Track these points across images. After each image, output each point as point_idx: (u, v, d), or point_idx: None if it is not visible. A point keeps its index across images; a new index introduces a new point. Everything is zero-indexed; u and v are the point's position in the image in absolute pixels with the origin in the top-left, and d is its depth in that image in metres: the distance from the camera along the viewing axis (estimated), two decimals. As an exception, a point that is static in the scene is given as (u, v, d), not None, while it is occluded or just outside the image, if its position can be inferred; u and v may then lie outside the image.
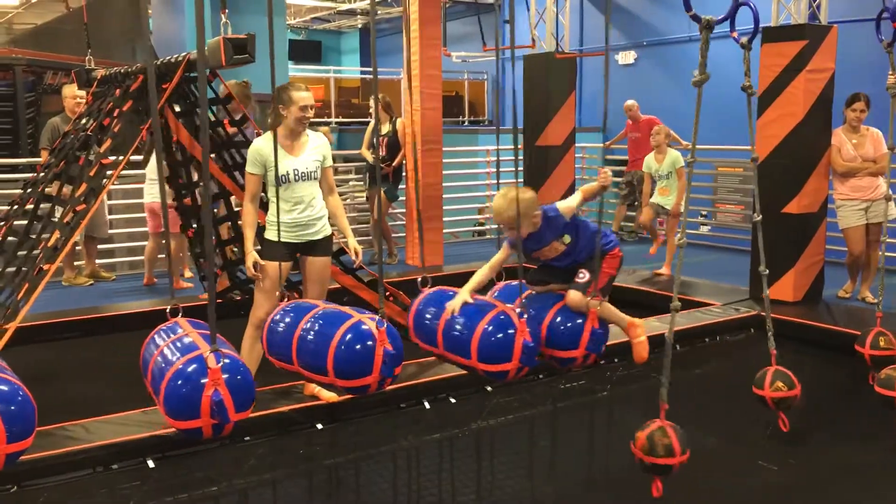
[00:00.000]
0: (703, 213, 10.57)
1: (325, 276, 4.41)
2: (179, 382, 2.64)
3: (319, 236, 4.31)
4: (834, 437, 4.49)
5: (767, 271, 3.69)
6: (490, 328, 3.06)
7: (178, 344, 2.86)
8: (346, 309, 3.22)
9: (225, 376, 2.63)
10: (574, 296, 3.39)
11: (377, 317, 3.05)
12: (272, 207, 4.20)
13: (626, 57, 13.04)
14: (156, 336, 3.12)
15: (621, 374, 5.22)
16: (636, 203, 9.77)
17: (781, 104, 6.34)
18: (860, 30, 8.09)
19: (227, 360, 2.67)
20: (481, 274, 3.43)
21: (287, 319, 3.33)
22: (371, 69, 3.18)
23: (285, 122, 4.13)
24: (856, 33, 8.04)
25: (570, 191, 8.72)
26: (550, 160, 8.72)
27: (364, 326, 3.00)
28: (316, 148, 4.28)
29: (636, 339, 3.61)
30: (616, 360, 5.22)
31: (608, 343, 3.58)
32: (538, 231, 3.27)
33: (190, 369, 2.65)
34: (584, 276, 3.42)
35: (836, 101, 6.46)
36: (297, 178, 4.15)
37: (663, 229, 7.96)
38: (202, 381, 2.61)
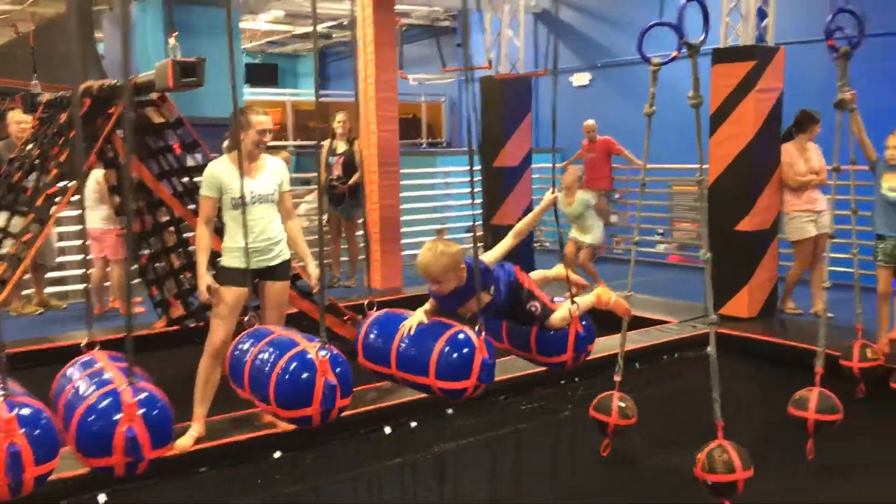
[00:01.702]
0: (660, 231, 10.70)
1: (283, 301, 4.35)
2: (91, 418, 2.54)
3: (277, 261, 4.25)
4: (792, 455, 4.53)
5: (716, 318, 3.55)
6: (447, 348, 3.03)
7: (93, 377, 2.73)
8: (298, 336, 3.15)
9: (141, 411, 2.54)
10: (555, 320, 3.43)
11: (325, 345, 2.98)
12: (228, 233, 4.12)
13: (581, 78, 13.20)
14: (68, 370, 2.99)
15: (582, 394, 5.23)
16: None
17: (732, 123, 6.47)
18: (807, 50, 8.30)
19: (144, 395, 2.59)
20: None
21: (244, 346, 3.26)
22: (326, 91, 3.15)
23: (242, 144, 4.09)
24: (803, 53, 8.24)
25: (528, 210, 8.74)
26: (508, 181, 8.76)
27: (308, 356, 2.93)
28: (274, 172, 4.24)
29: (611, 302, 3.71)
30: (576, 380, 5.23)
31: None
32: (463, 285, 3.22)
33: (103, 404, 2.55)
34: (536, 308, 3.44)
35: (785, 119, 6.60)
36: (253, 200, 4.10)
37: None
38: (115, 416, 2.52)
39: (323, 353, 2.91)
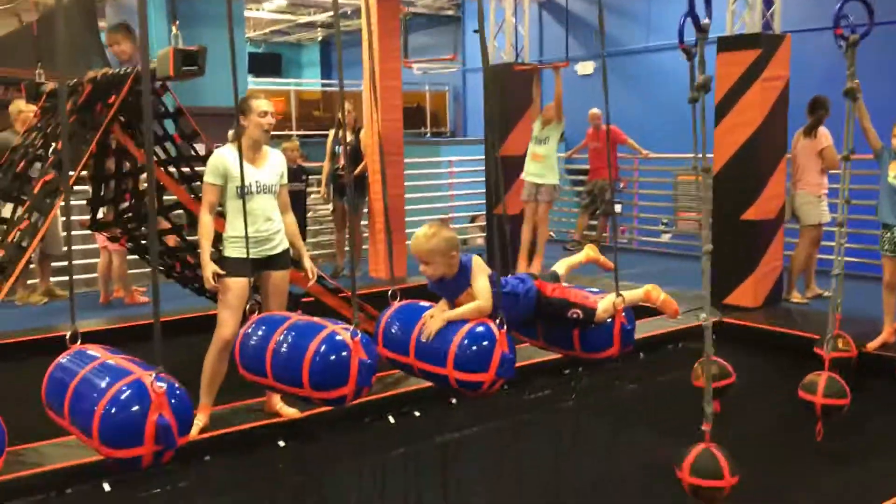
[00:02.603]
0: (664, 220, 10.68)
1: (284, 290, 4.36)
2: (119, 409, 2.48)
3: (278, 250, 4.26)
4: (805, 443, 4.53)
5: (710, 321, 3.58)
6: (467, 339, 3.01)
7: (105, 369, 2.66)
8: (319, 320, 3.15)
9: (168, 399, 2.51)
10: (600, 316, 3.33)
11: (351, 327, 2.99)
12: (233, 223, 4.12)
13: (585, 68, 13.15)
14: (66, 364, 2.88)
15: (585, 384, 5.23)
16: (598, 212, 9.84)
17: (738, 112, 6.43)
18: (813, 38, 8.25)
19: (167, 383, 2.58)
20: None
21: (259, 332, 3.23)
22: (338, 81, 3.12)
23: (248, 132, 4.08)
24: (809, 41, 8.19)
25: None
26: (512, 170, 8.72)
27: (338, 337, 2.93)
28: (276, 163, 4.26)
29: (660, 300, 3.59)
30: (580, 370, 5.22)
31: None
32: (454, 279, 3.20)
33: (128, 394, 2.50)
34: (578, 314, 3.39)
35: (791, 107, 6.57)
36: (258, 190, 4.11)
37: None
38: (146, 405, 2.49)
39: (353, 334, 2.92)
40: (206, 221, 4.13)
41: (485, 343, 2.98)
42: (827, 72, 6.84)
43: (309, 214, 9.19)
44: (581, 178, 10.21)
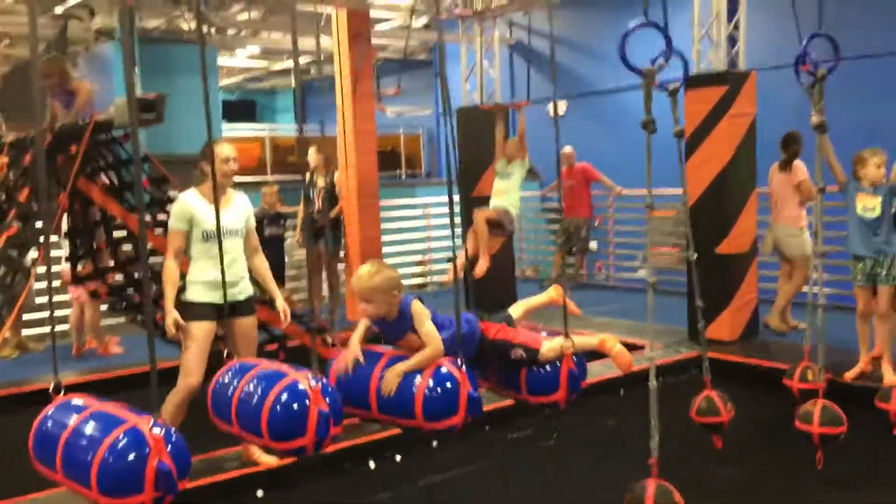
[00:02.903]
0: (639, 256, 10.74)
1: (253, 336, 4.31)
2: (114, 458, 2.46)
3: (244, 296, 4.21)
4: (779, 474, 4.52)
5: (702, 304, 3.69)
6: (431, 389, 2.97)
7: (97, 418, 2.64)
8: (286, 367, 3.11)
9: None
10: (545, 355, 3.31)
11: (313, 374, 2.94)
12: (197, 267, 4.07)
13: (558, 108, 13.33)
14: (54, 415, 2.83)
15: (566, 422, 5.19)
16: (574, 250, 9.89)
17: (708, 147, 6.54)
18: (778, 75, 8.42)
19: (163, 429, 2.55)
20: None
21: (226, 380, 3.19)
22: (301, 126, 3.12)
23: (208, 177, 4.03)
24: (774, 78, 8.37)
25: (510, 239, 8.76)
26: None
27: (300, 386, 2.89)
28: (241, 206, 4.23)
29: (613, 351, 3.52)
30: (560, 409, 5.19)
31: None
32: (395, 321, 3.16)
33: (126, 442, 2.48)
34: (521, 355, 3.35)
35: (761, 142, 6.68)
36: (224, 233, 4.04)
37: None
38: (144, 452, 2.47)
39: (314, 382, 2.86)
40: (170, 267, 4.06)
41: (449, 387, 2.95)
42: (794, 107, 6.98)
43: (287, 259, 9.16)
44: (556, 216, 10.28)
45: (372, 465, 4.55)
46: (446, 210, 11.21)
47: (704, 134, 6.52)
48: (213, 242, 3.98)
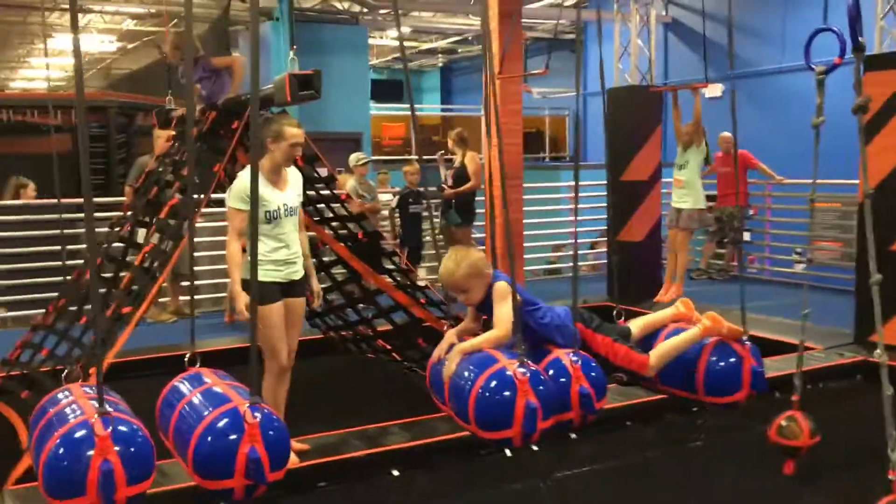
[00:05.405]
0: (798, 250, 10.05)
1: (301, 319, 4.29)
2: (210, 438, 2.45)
3: (299, 276, 4.13)
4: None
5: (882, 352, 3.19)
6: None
7: (207, 396, 2.63)
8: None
9: (261, 432, 2.44)
10: (650, 371, 3.20)
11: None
12: (259, 246, 4.02)
13: (714, 90, 12.66)
14: (178, 387, 2.85)
15: (713, 424, 4.89)
16: (725, 241, 9.38)
17: (888, 134, 5.95)
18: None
19: (262, 414, 2.47)
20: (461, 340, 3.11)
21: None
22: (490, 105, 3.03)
23: (271, 155, 3.96)
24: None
25: (657, 226, 8.43)
26: (636, 196, 8.43)
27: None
28: (296, 183, 4.14)
29: (719, 332, 3.26)
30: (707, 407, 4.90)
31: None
32: (486, 300, 3.02)
33: (223, 424, 2.45)
34: (622, 377, 3.24)
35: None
36: (286, 213, 4.00)
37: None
38: (239, 436, 2.42)
39: (522, 370, 2.68)
40: (234, 250, 3.93)
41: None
42: None
43: (426, 238, 9.21)
44: (709, 203, 9.76)
45: (508, 452, 4.45)
46: (591, 194, 10.93)
47: (884, 120, 5.94)
48: (276, 223, 3.94)
